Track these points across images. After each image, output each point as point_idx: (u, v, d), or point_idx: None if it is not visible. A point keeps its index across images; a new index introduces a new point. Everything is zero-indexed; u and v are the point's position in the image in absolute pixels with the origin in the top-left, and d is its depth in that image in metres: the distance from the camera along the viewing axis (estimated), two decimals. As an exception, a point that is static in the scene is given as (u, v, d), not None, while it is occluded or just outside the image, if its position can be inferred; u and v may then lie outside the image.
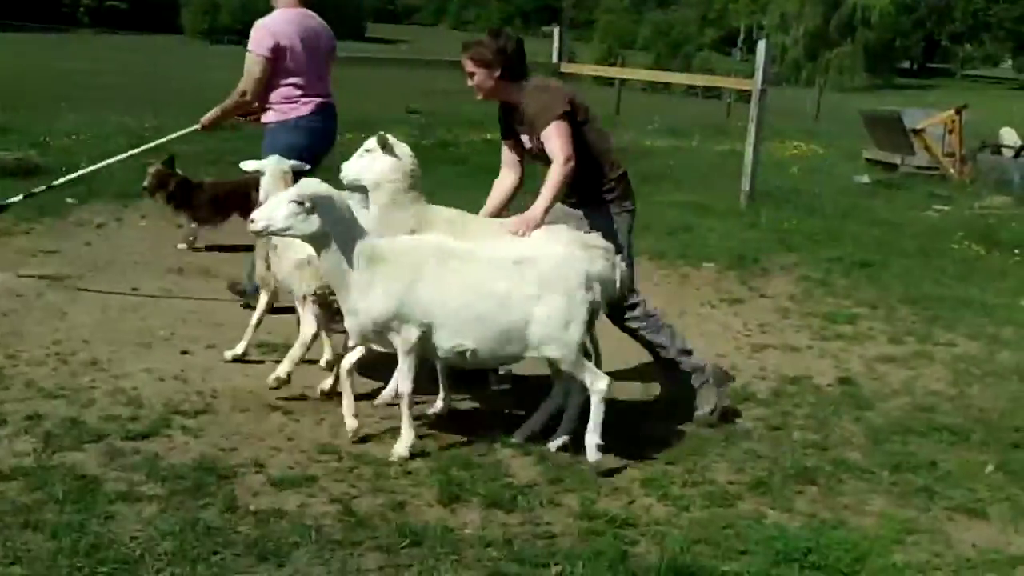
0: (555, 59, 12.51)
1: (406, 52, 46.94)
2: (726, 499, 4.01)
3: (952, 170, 14.67)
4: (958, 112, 14.85)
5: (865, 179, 13.90)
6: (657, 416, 4.85)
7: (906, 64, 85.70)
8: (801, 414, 5.02)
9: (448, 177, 10.85)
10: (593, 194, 4.83)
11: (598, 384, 4.19)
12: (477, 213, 5.02)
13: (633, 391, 5.17)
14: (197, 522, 3.47)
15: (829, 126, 25.56)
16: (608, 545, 3.53)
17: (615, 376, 5.33)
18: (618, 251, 4.65)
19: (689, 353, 4.92)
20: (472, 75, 4.70)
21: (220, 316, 5.84)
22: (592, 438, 4.17)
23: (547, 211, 4.59)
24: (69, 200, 8.40)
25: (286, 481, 3.86)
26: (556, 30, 12.91)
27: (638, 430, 4.64)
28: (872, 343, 6.28)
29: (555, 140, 4.56)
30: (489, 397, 4.97)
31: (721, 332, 6.33)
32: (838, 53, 67.82)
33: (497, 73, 4.65)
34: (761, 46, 10.36)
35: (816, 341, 6.25)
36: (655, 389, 5.22)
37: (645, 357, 5.70)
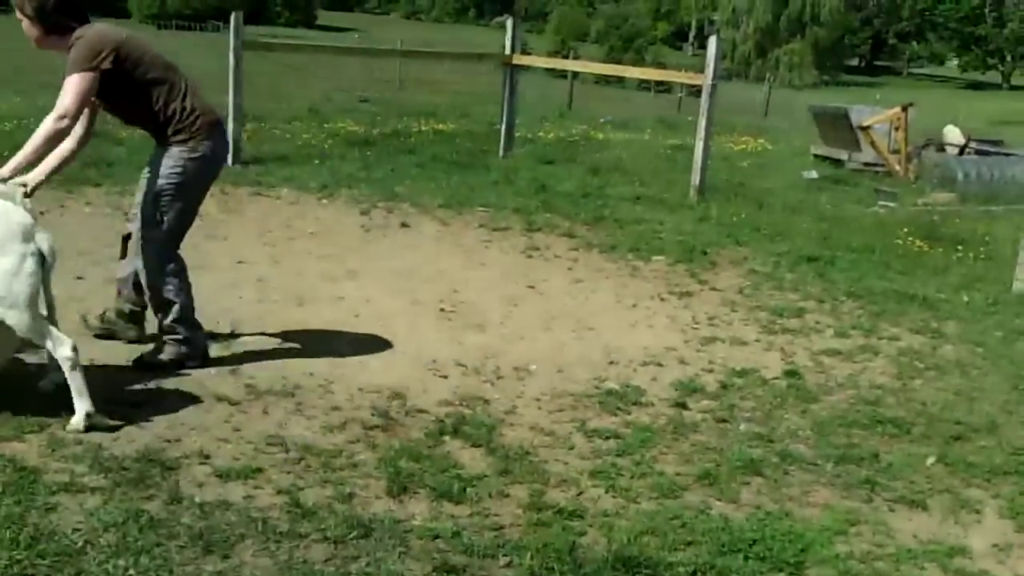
0: (508, 50, 12.49)
1: (357, 41, 46.58)
2: (673, 490, 4.04)
3: (897, 167, 14.89)
4: (904, 110, 15.07)
5: (813, 174, 14.06)
6: (606, 408, 4.87)
7: (854, 61, 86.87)
8: (748, 406, 5.07)
9: (403, 167, 10.83)
10: (160, 136, 4.76)
11: (62, 351, 3.95)
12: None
13: (581, 384, 5.19)
14: (141, 514, 3.42)
15: (778, 122, 25.85)
16: (556, 536, 3.55)
17: (557, 363, 5.37)
18: (169, 194, 4.71)
19: (194, 326, 4.92)
20: (23, 23, 4.58)
21: (166, 305, 5.76)
22: (81, 405, 3.99)
23: (23, 166, 4.43)
24: (11, 186, 8.21)
25: (232, 472, 3.82)
26: (509, 21, 12.89)
27: (586, 423, 4.66)
28: (818, 336, 6.36)
29: (64, 94, 4.43)
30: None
31: (670, 325, 6.37)
32: (788, 49, 68.60)
33: (42, 26, 4.50)
34: (712, 41, 10.44)
35: (763, 334, 6.31)
36: (603, 383, 5.24)
37: (585, 349, 5.74)
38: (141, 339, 5.07)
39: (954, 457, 4.59)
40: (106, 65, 4.48)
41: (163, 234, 4.83)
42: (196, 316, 4.96)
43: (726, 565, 3.47)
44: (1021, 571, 3.68)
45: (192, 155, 4.75)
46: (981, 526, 4.01)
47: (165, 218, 4.80)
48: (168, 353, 4.88)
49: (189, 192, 4.82)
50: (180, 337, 4.88)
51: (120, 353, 4.96)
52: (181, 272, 4.93)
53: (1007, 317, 7.09)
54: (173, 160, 4.74)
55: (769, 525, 3.78)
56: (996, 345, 6.44)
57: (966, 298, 7.51)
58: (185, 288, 4.92)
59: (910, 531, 3.91)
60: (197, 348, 4.93)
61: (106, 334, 5.07)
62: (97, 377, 4.62)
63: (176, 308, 4.87)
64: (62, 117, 4.38)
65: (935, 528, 3.96)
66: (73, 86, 4.41)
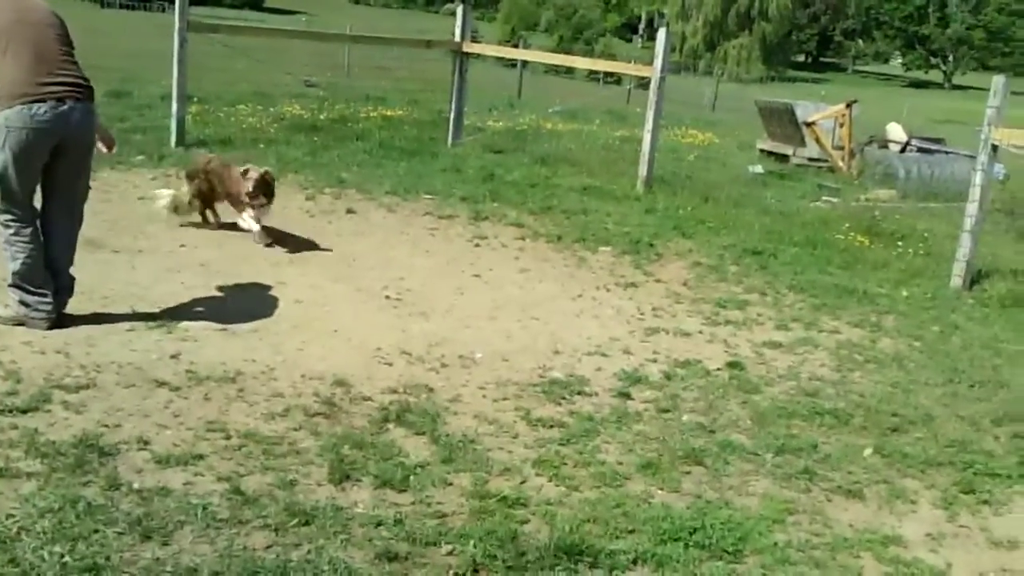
0: (458, 38, 12.45)
1: (304, 24, 46.11)
2: (616, 479, 4.07)
3: (841, 163, 15.10)
4: (848, 106, 15.28)
5: (759, 169, 14.20)
6: (550, 397, 4.88)
7: (801, 57, 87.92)
8: (690, 397, 5.12)
9: (350, 153, 10.74)
10: None
11: None
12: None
13: (525, 373, 5.20)
14: (78, 500, 3.37)
15: (726, 116, 26.07)
16: (499, 524, 3.55)
17: (502, 352, 5.37)
18: None
19: (29, 292, 4.96)
20: None
21: (106, 289, 5.67)
22: None
23: None
24: None
25: (171, 458, 3.77)
26: (460, 8, 12.83)
27: (530, 412, 4.68)
28: (760, 329, 6.44)
29: None
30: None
31: (615, 315, 6.40)
32: (736, 44, 69.21)
33: None
34: (661, 34, 10.48)
35: (707, 326, 6.37)
36: (548, 372, 5.25)
37: (530, 338, 5.76)
38: (53, 323, 5.01)
39: (891, 448, 4.67)
40: None
41: None
42: (40, 281, 4.96)
43: (666, 553, 3.50)
44: (954, 560, 3.76)
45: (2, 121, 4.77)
46: (916, 516, 4.10)
47: None
48: (9, 311, 4.98)
49: (1, 160, 4.77)
50: (18, 299, 4.95)
51: (56, 338, 4.88)
52: (18, 237, 4.92)
53: (944, 312, 7.23)
54: None
55: (709, 514, 3.82)
56: (933, 339, 6.57)
57: (905, 293, 7.65)
58: (25, 252, 4.92)
59: (847, 520, 3.98)
60: (40, 312, 4.96)
61: (17, 322, 4.98)
62: (33, 361, 4.55)
63: (11, 272, 4.94)
64: None
65: (871, 517, 4.03)
66: None
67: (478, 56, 13.84)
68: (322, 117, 13.35)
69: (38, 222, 4.99)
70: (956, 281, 8.04)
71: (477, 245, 7.84)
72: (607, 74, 36.17)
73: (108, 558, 3.08)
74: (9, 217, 4.88)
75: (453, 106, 12.56)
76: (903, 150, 15.95)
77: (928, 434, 4.92)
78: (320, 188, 8.97)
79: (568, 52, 42.63)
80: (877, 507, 4.13)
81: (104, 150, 5.56)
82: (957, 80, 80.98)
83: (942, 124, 33.17)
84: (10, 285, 4.95)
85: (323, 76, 20.38)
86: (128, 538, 3.21)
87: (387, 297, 6.24)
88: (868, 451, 4.63)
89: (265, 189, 7.12)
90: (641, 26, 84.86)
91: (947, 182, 14.11)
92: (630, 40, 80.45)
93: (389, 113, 14.89)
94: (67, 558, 3.03)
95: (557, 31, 64.79)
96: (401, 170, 10.10)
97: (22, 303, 4.93)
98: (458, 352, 5.37)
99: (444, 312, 6.08)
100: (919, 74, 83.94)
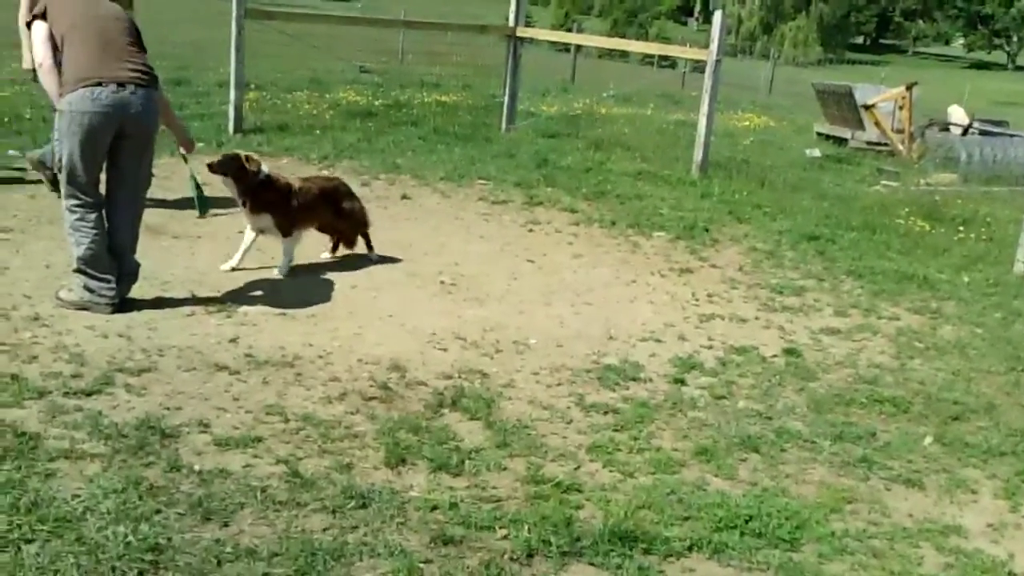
0: (511, 22, 12.42)
1: (360, 10, 46.31)
2: (670, 466, 4.05)
3: (900, 146, 14.85)
4: (908, 89, 15.01)
5: (816, 153, 14.01)
6: (604, 383, 4.88)
7: (859, 39, 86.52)
8: (746, 384, 5.08)
9: (404, 138, 10.79)
10: None
11: None
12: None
13: (579, 359, 5.19)
14: (140, 481, 3.43)
15: (782, 99, 25.75)
16: (553, 510, 3.56)
17: (557, 337, 5.37)
18: (56, 142, 5.07)
19: (94, 277, 5.04)
20: None
21: (166, 274, 5.76)
22: None
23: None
24: (12, 152, 8.20)
25: (231, 441, 3.83)
26: (514, -7, 12.79)
27: (584, 398, 4.67)
28: (817, 315, 6.36)
29: (33, 45, 5.02)
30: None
31: (670, 301, 6.37)
32: (793, 26, 68.30)
33: None
34: (717, 17, 10.37)
35: (763, 312, 6.32)
36: (602, 358, 5.24)
37: (584, 324, 5.74)
38: (116, 308, 5.10)
39: (951, 437, 4.60)
40: (38, 9, 4.98)
41: (63, 180, 5.03)
42: (105, 267, 5.06)
43: (722, 541, 3.49)
44: (1015, 550, 3.70)
45: (60, 109, 4.95)
46: (976, 506, 4.03)
47: (61, 166, 5.01)
48: (73, 295, 5.08)
49: (67, 144, 4.93)
50: (82, 284, 5.05)
51: (118, 322, 4.97)
52: (83, 222, 5.04)
53: (1006, 298, 7.09)
54: (60, 111, 4.97)
55: (766, 502, 3.80)
56: (995, 326, 6.45)
57: (966, 279, 7.51)
58: (89, 238, 5.03)
59: (906, 510, 3.93)
60: (103, 297, 5.05)
61: (80, 307, 5.07)
62: (97, 345, 4.64)
63: (76, 258, 5.04)
64: (39, 66, 4.98)
65: (931, 507, 3.98)
66: (32, 37, 4.99)
67: (532, 41, 13.79)
68: (377, 103, 13.41)
69: (103, 209, 5.09)
70: (1019, 267, 7.87)
71: (531, 230, 7.84)
72: (662, 58, 35.90)
73: (170, 539, 3.14)
74: (75, 203, 4.99)
75: (507, 91, 12.55)
76: (965, 133, 15.65)
77: (990, 423, 4.84)
78: (375, 174, 9.02)
79: (622, 36, 42.39)
80: (937, 497, 4.07)
81: (182, 150, 5.74)
82: (1021, 61, 79.19)
83: (1005, 106, 32.48)
84: (75, 270, 5.05)
85: (378, 62, 20.46)
86: (189, 519, 3.27)
87: (442, 282, 6.27)
88: (928, 440, 4.57)
89: (222, 169, 5.96)
90: (696, 9, 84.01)
91: (1010, 165, 13.84)
92: (685, 23, 79.75)
93: (443, 98, 14.92)
94: (130, 538, 3.10)
95: (611, 15, 64.44)
96: (455, 155, 10.12)
97: (86, 288, 5.03)
98: (512, 337, 5.38)
99: (498, 297, 6.10)
100: (981, 55, 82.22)
